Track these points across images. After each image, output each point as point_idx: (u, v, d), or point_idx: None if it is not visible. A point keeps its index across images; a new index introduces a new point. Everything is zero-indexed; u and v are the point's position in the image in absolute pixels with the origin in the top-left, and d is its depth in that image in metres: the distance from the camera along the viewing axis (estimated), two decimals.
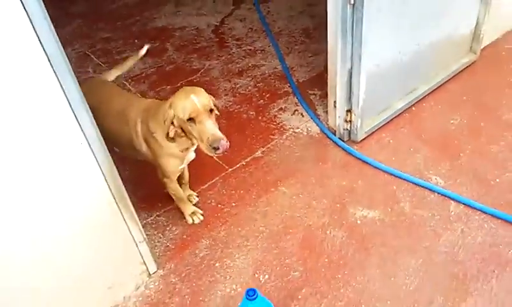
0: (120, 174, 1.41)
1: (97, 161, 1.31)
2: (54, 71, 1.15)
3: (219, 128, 1.52)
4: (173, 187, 1.73)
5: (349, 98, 2.00)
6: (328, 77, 2.04)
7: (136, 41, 3.07)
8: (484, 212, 1.73)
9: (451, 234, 1.68)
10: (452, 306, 1.47)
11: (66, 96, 1.20)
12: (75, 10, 3.55)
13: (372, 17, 1.79)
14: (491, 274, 1.55)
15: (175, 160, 1.63)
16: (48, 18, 1.09)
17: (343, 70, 1.92)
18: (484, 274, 1.55)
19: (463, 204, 1.77)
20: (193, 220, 1.83)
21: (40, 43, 1.10)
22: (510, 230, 1.67)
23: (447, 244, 1.66)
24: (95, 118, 1.29)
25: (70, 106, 1.21)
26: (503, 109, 2.18)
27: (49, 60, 1.13)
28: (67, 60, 1.18)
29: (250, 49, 2.86)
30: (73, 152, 1.25)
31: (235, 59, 2.78)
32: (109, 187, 1.37)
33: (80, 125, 1.24)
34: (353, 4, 1.73)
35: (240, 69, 2.69)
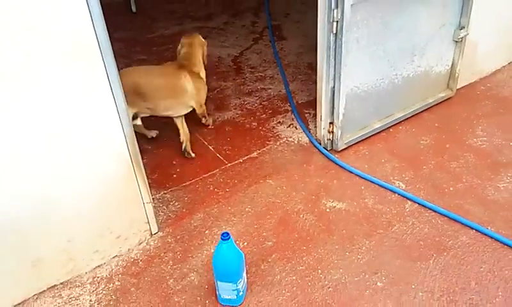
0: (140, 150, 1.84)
1: (123, 129, 1.74)
2: (103, 58, 1.61)
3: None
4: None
5: (332, 113, 2.39)
6: (317, 94, 2.45)
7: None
8: (435, 211, 2.05)
9: (403, 225, 2.00)
10: (394, 279, 1.78)
11: (108, 77, 1.64)
12: (118, 36, 4.16)
13: (352, 46, 2.22)
14: (430, 256, 1.85)
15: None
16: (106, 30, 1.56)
17: (327, 87, 2.33)
18: (425, 256, 1.86)
19: (418, 203, 2.10)
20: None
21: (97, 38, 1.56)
22: (454, 226, 1.98)
23: (397, 232, 1.97)
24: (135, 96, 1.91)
25: (110, 84, 1.66)
26: (468, 135, 2.52)
27: (100, 48, 1.59)
28: (112, 52, 1.64)
29: (261, 75, 3.33)
30: (106, 120, 1.69)
31: (247, 82, 3.25)
32: (128, 149, 1.79)
33: (115, 100, 1.68)
34: (335, 34, 2.17)
35: (250, 90, 3.15)
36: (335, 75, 2.28)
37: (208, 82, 3.26)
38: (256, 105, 2.98)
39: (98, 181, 1.77)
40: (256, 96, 3.07)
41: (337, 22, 2.12)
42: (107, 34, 1.60)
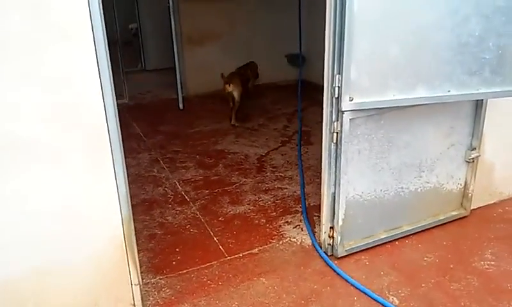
0: (138, 245, 2.00)
1: (121, 212, 1.92)
2: (111, 148, 1.84)
3: None
4: None
5: (332, 218, 2.44)
6: (321, 198, 2.53)
7: (197, 156, 3.88)
8: None
9: None
10: None
11: (114, 164, 1.87)
12: (162, 129, 4.58)
13: (353, 156, 2.33)
14: None
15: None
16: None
17: (328, 192, 2.42)
18: None
19: None
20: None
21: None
22: None
23: None
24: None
25: (114, 171, 1.88)
26: (475, 257, 2.42)
27: (110, 140, 1.84)
28: (121, 144, 1.87)
29: (281, 176, 3.48)
30: (106, 203, 1.88)
31: (266, 181, 3.40)
32: (123, 232, 1.95)
33: (117, 185, 1.89)
34: (336, 143, 2.30)
35: (267, 188, 3.29)
36: (335, 181, 2.37)
37: (229, 176, 3.50)
38: (269, 202, 3.09)
39: (89, 258, 1.91)
40: (272, 195, 3.19)
41: (337, 133, 2.26)
42: (119, 128, 1.82)
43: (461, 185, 2.78)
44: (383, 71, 2.18)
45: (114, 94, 1.74)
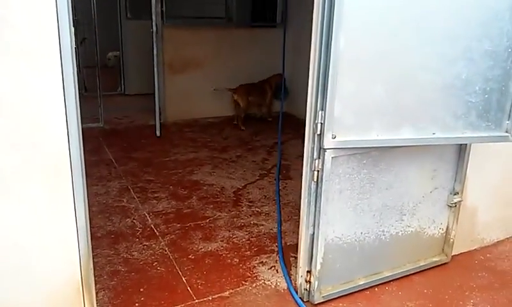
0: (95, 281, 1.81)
1: (79, 250, 1.73)
2: (72, 180, 1.68)
3: None
4: None
5: (310, 261, 2.30)
6: (298, 239, 2.39)
7: (171, 187, 3.71)
8: None
9: None
10: None
11: (74, 197, 1.69)
12: (136, 155, 4.40)
13: (334, 196, 2.22)
14: None
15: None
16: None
17: (306, 234, 2.28)
18: None
19: None
20: None
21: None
22: None
23: None
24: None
25: (74, 204, 1.70)
26: None
27: (71, 170, 1.67)
28: (83, 175, 1.71)
29: (258, 211, 3.33)
30: (62, 239, 1.70)
31: (241, 216, 3.25)
32: (81, 272, 1.76)
33: (76, 220, 1.71)
34: (316, 182, 2.19)
35: (242, 224, 3.13)
36: (314, 222, 2.25)
37: (203, 210, 3.33)
38: (244, 240, 2.92)
39: (44, 300, 1.72)
40: (247, 231, 3.03)
41: (318, 171, 2.15)
42: (82, 158, 1.67)
43: (442, 230, 2.69)
44: (367, 109, 2.10)
45: (79, 120, 1.59)
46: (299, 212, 3.27)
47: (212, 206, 3.40)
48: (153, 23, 4.68)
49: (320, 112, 2.06)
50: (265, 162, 4.36)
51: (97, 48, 5.44)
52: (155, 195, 3.55)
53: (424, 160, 2.46)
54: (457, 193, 2.61)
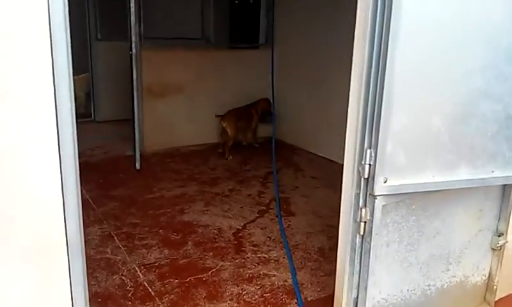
0: None
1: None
2: (69, 261, 1.22)
3: None
4: None
5: None
6: (335, 302, 1.99)
7: (160, 231, 3.22)
8: None
9: None
10: None
11: (70, 283, 1.23)
12: (116, 193, 3.88)
13: (381, 251, 1.84)
14: None
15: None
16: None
17: (349, 298, 1.89)
18: None
19: None
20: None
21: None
22: None
23: None
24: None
25: (71, 292, 1.24)
26: None
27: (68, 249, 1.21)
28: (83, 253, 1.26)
29: (265, 257, 2.90)
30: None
31: (247, 264, 2.81)
32: None
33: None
34: (362, 235, 1.81)
35: (250, 275, 2.69)
36: (359, 283, 1.86)
37: (203, 259, 2.87)
38: (256, 297, 2.49)
39: None
40: (258, 285, 2.60)
41: (365, 222, 1.78)
42: (81, 233, 1.22)
43: (485, 276, 2.37)
44: (421, 146, 1.76)
45: (78, 182, 1.15)
46: (319, 256, 2.91)
47: (211, 253, 2.94)
48: (133, 45, 4.23)
49: (368, 150, 1.70)
50: (261, 196, 3.95)
51: None
52: (144, 242, 3.05)
53: (472, 200, 2.14)
54: (502, 234, 2.30)
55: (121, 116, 6.31)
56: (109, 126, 6.15)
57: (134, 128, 4.51)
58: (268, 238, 3.17)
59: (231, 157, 4.95)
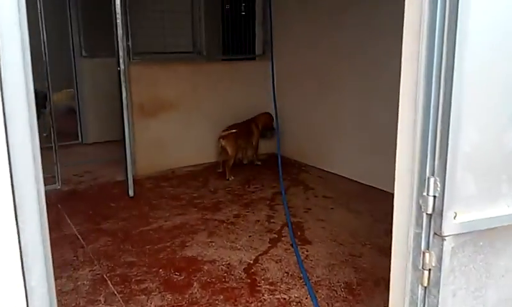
0: None
1: None
2: None
3: None
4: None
5: None
6: None
7: (161, 271, 2.81)
8: None
9: None
10: None
11: None
12: (106, 227, 3.46)
13: (447, 302, 1.45)
14: None
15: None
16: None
17: None
18: None
19: None
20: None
21: None
22: None
23: None
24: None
25: None
26: None
27: None
28: None
29: (284, 299, 2.50)
30: None
31: None
32: None
33: None
34: (426, 287, 1.42)
35: None
36: None
37: (213, 305, 2.45)
38: None
39: None
40: None
41: (429, 270, 1.39)
42: None
43: None
44: (494, 170, 1.39)
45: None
46: (348, 294, 2.49)
47: (222, 296, 2.53)
48: (120, 61, 3.84)
49: (432, 179, 1.32)
50: (271, 222, 3.55)
51: (49, 91, 4.48)
52: (142, 285, 2.63)
53: None
54: None
55: (111, 137, 5.91)
56: (97, 149, 5.74)
57: (125, 150, 4.10)
58: (285, 274, 2.76)
59: (232, 178, 4.56)
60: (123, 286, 2.63)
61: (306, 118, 4.91)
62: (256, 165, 5.03)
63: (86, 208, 3.82)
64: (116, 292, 2.57)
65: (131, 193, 4.07)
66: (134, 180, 4.22)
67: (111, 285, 2.64)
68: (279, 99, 5.14)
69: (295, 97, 5.03)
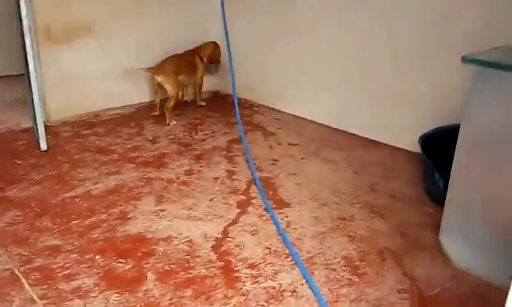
0: None
1: None
2: None
3: None
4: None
5: None
6: None
7: (98, 257, 2.05)
8: None
9: None
10: None
11: None
12: (13, 195, 2.54)
13: None
14: None
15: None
16: None
17: None
18: None
19: None
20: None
21: None
22: None
23: None
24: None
25: None
26: None
27: None
28: None
29: (274, 288, 1.91)
30: None
31: (252, 305, 1.80)
32: None
33: None
34: None
35: None
36: None
37: (181, 305, 1.79)
38: None
39: None
40: None
41: None
42: None
43: None
44: None
45: None
46: (350, 273, 1.95)
47: (189, 291, 1.87)
48: None
49: None
50: (233, 179, 2.87)
51: None
52: (74, 283, 1.87)
53: None
54: None
55: (11, 71, 4.69)
56: None
57: (30, 87, 3.07)
58: (267, 251, 2.16)
59: (174, 122, 3.76)
60: (45, 286, 1.85)
61: (259, 48, 4.15)
62: (200, 106, 4.24)
63: None
64: (36, 298, 1.78)
65: (43, 146, 3.11)
66: (45, 127, 3.24)
67: (27, 286, 1.84)
68: (230, 25, 4.27)
69: (245, 22, 4.21)
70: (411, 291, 1.92)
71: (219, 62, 4.24)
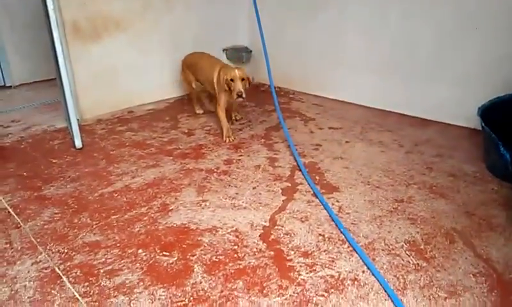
0: None
1: None
2: None
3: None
4: (221, 113, 3.11)
5: None
6: None
7: (140, 251, 1.92)
8: None
9: None
10: None
11: None
12: (50, 193, 2.46)
13: None
14: None
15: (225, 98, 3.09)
16: None
17: None
18: None
19: None
20: (228, 139, 3.04)
21: None
22: None
23: None
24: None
25: None
26: None
27: None
28: None
29: (332, 276, 1.73)
30: None
31: (312, 297, 1.62)
32: None
33: None
34: None
35: None
36: None
37: (233, 298, 1.63)
38: None
39: None
40: None
41: None
42: None
43: None
44: None
45: None
46: (415, 257, 1.73)
47: (240, 282, 1.71)
48: None
49: None
50: (275, 166, 2.71)
51: None
52: (118, 279, 1.75)
53: None
54: None
55: (42, 76, 4.72)
56: (25, 92, 4.50)
57: (62, 87, 3.00)
58: (321, 237, 1.98)
59: (202, 111, 3.61)
60: (87, 283, 1.73)
61: (293, 36, 3.97)
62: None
63: (17, 169, 2.76)
64: (78, 296, 1.67)
65: (78, 143, 3.04)
66: (79, 126, 3.17)
67: (68, 284, 1.73)
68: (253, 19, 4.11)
69: (276, 11, 4.04)
70: (487, 274, 1.70)
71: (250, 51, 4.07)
